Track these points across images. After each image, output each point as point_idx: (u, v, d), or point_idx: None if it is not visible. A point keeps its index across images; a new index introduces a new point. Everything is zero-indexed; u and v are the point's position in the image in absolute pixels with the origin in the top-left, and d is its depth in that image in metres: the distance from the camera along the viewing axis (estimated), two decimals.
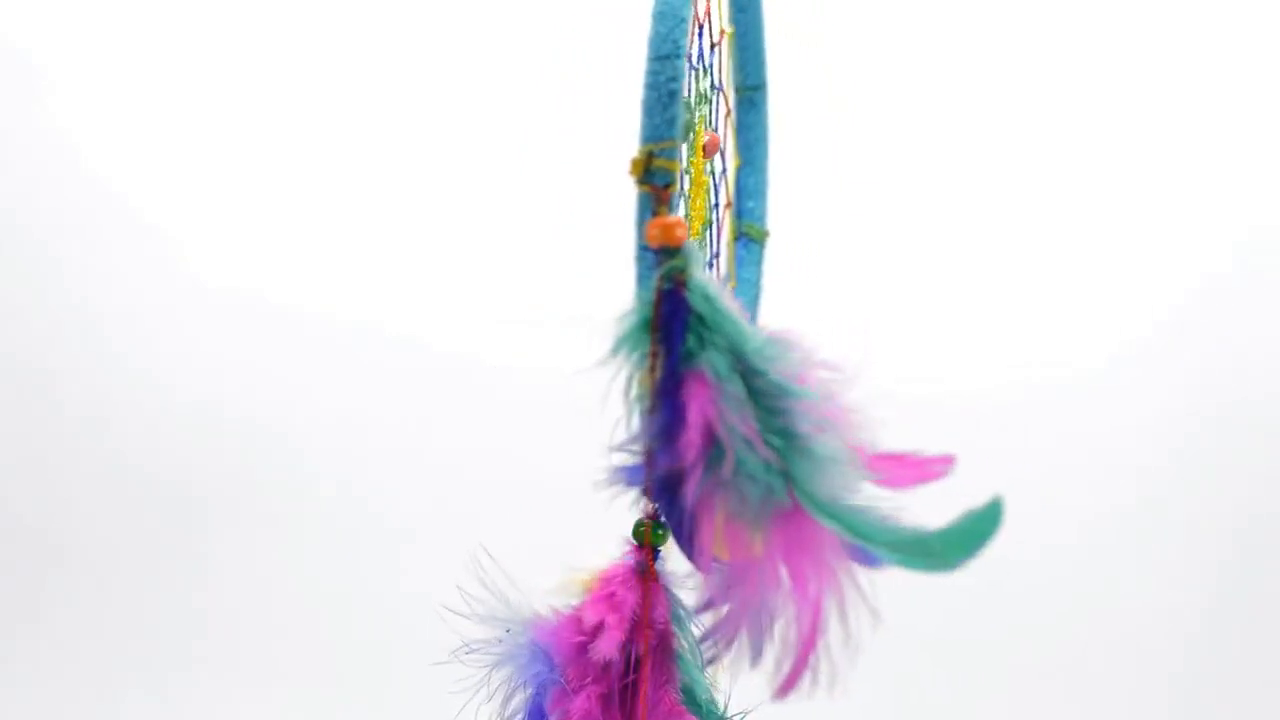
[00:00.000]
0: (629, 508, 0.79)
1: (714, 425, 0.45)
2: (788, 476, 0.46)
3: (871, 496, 0.47)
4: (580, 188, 1.10)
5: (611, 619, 0.59)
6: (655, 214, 0.48)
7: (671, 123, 0.48)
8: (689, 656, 0.62)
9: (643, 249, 0.49)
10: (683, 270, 0.47)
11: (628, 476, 0.50)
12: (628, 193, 0.76)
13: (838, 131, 1.12)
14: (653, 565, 0.61)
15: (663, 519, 0.52)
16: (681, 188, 0.66)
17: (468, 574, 0.62)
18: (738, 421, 0.45)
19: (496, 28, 1.35)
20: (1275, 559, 1.23)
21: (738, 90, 0.76)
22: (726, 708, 0.60)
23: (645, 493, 0.50)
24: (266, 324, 1.36)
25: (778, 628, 0.46)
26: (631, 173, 0.48)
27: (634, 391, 0.48)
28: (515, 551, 0.68)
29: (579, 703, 0.59)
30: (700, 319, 0.46)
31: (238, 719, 1.27)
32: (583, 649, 0.60)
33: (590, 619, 0.59)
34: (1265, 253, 1.28)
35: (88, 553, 1.33)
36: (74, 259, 1.35)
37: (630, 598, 0.60)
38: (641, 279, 0.49)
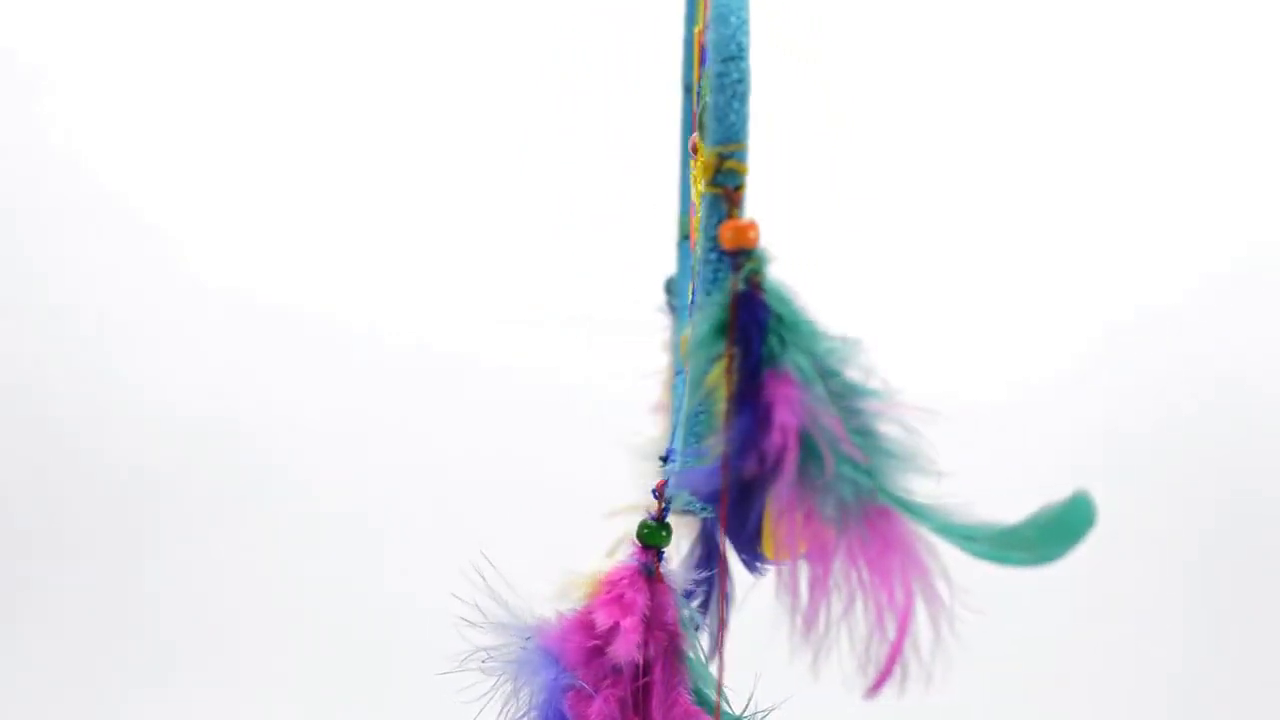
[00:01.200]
0: (622, 510, 0.80)
1: (804, 426, 0.45)
2: (874, 475, 0.46)
3: (938, 494, 0.48)
4: (580, 188, 1.08)
5: (626, 621, 0.59)
6: (728, 216, 0.47)
7: (741, 124, 0.48)
8: (697, 657, 0.62)
9: (712, 252, 0.48)
10: (759, 272, 0.47)
11: (695, 482, 0.50)
12: (625, 192, 0.76)
13: (834, 146, 1.13)
14: (659, 566, 0.62)
15: (708, 522, 0.52)
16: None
17: (471, 580, 0.61)
18: (828, 421, 0.46)
19: (495, 27, 1.35)
20: (1246, 560, 1.27)
21: (685, 88, 0.76)
22: (749, 708, 0.60)
23: (714, 498, 0.50)
24: (265, 325, 1.37)
25: (866, 626, 0.47)
26: (702, 175, 0.48)
27: (705, 396, 0.48)
28: (513, 553, 0.68)
29: (598, 706, 0.59)
30: (780, 320, 0.46)
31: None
32: (596, 652, 0.59)
33: (604, 622, 0.59)
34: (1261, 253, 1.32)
35: (80, 553, 1.33)
36: (66, 258, 1.36)
37: (639, 599, 0.60)
38: (712, 283, 0.48)
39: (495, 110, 1.34)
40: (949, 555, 0.47)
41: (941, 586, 0.46)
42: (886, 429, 0.47)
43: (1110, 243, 1.33)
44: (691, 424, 0.52)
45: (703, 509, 0.61)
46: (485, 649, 0.60)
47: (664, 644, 0.61)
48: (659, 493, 0.62)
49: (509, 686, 0.60)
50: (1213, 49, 1.32)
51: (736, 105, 0.48)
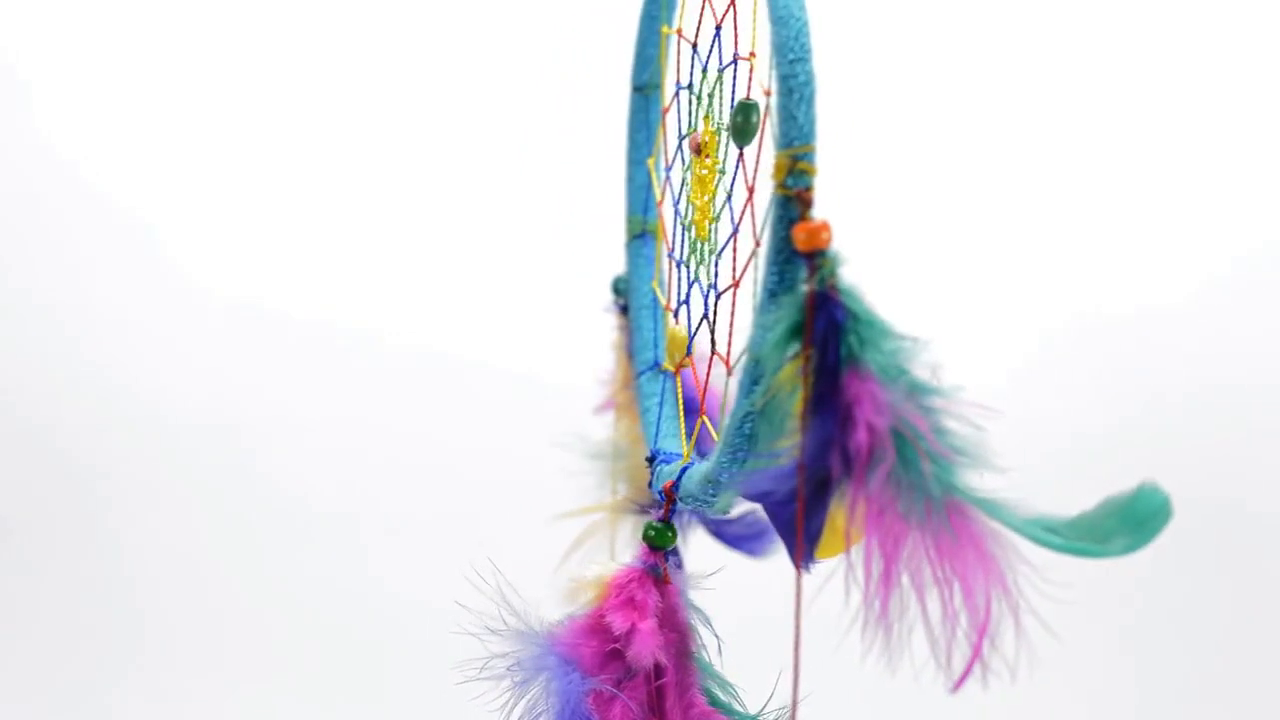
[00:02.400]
0: (576, 514, 0.79)
1: (889, 423, 0.46)
2: (953, 471, 0.47)
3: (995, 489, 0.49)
4: (580, 188, 1.06)
5: (644, 624, 0.59)
6: (801, 218, 0.48)
7: (810, 126, 0.48)
8: (706, 657, 0.62)
9: (780, 254, 0.48)
10: (833, 273, 0.47)
11: (762, 484, 0.50)
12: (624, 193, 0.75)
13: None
14: (666, 568, 0.61)
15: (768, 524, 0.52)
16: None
17: (476, 587, 0.60)
18: (913, 418, 0.46)
19: (493, 28, 1.35)
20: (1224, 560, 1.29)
21: (635, 88, 0.75)
22: (764, 707, 0.61)
23: (774, 498, 0.50)
24: (263, 328, 1.37)
25: (946, 622, 0.47)
26: (774, 177, 0.48)
27: (773, 397, 0.48)
28: (513, 554, 0.67)
29: (618, 709, 0.58)
30: (857, 319, 0.47)
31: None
32: (613, 656, 0.59)
33: (620, 625, 0.58)
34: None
35: (77, 553, 1.34)
36: (60, 260, 1.37)
37: (649, 601, 0.60)
38: (779, 285, 0.49)
39: (494, 111, 1.35)
40: (1025, 550, 0.48)
41: (1019, 580, 0.47)
42: (955, 426, 0.48)
43: (1089, 241, 1.35)
44: (740, 426, 0.52)
45: (715, 508, 0.61)
46: (499, 655, 0.60)
47: (675, 645, 0.61)
48: (665, 494, 0.62)
49: (525, 693, 0.59)
50: (1192, 50, 1.36)
51: (804, 107, 0.48)
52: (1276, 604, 1.26)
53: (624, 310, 0.79)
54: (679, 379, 0.66)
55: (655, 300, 0.75)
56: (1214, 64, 1.34)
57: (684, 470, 0.61)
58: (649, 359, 0.73)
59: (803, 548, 0.51)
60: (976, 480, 0.48)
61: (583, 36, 1.26)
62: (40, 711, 1.27)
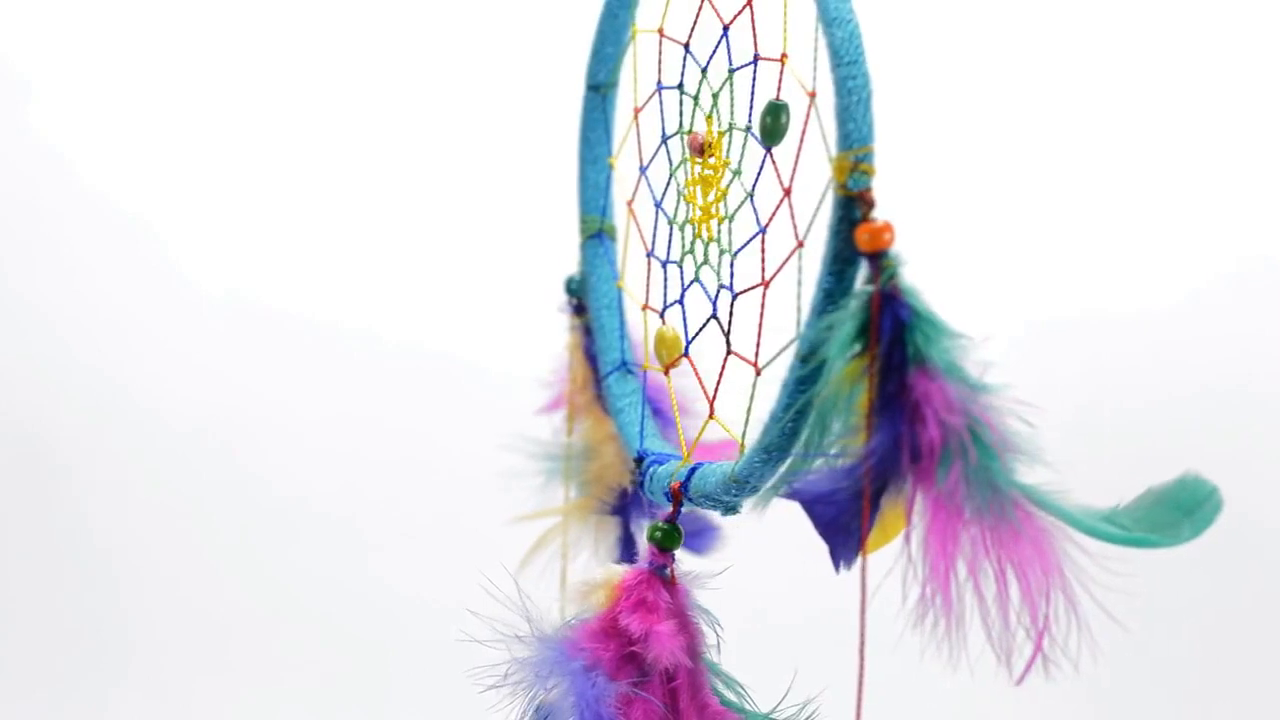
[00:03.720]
0: (531, 517, 0.78)
1: (962, 420, 0.47)
2: (1013, 465, 0.48)
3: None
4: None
5: (663, 626, 0.59)
6: (864, 219, 0.48)
7: (869, 127, 0.48)
8: (714, 657, 0.62)
9: (840, 255, 0.49)
10: (896, 273, 0.48)
11: (823, 484, 0.50)
12: (620, 192, 0.73)
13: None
14: (673, 568, 0.61)
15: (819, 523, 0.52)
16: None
17: (489, 592, 0.59)
18: (981, 414, 0.47)
19: (491, 28, 1.35)
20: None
21: (591, 87, 0.75)
22: (779, 705, 0.61)
23: (830, 498, 0.50)
24: (261, 327, 1.37)
25: (1005, 614, 0.48)
26: (835, 178, 0.48)
27: (837, 397, 0.48)
28: (511, 556, 0.66)
29: (639, 711, 0.58)
30: (920, 317, 0.47)
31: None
32: (629, 658, 0.59)
33: (637, 628, 0.58)
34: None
35: (74, 554, 1.34)
36: (56, 260, 1.37)
37: (660, 602, 0.60)
38: (837, 285, 0.49)
39: (492, 110, 1.35)
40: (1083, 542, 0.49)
41: (1077, 572, 0.48)
42: (1009, 422, 0.49)
43: (1087, 242, 1.36)
44: (781, 427, 0.53)
45: (728, 509, 0.61)
46: (511, 660, 0.59)
47: (687, 645, 0.61)
48: (673, 495, 0.62)
49: (538, 697, 0.58)
50: (1193, 51, 1.36)
51: (863, 108, 0.48)
52: (1277, 604, 1.29)
53: (578, 310, 0.78)
54: (669, 380, 0.65)
55: (618, 300, 0.74)
56: (1214, 64, 1.36)
57: (692, 471, 0.61)
58: (615, 359, 0.73)
59: (851, 546, 0.52)
60: (1032, 474, 0.49)
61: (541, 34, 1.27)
62: (40, 712, 1.29)
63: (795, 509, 0.58)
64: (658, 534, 0.61)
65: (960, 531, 0.48)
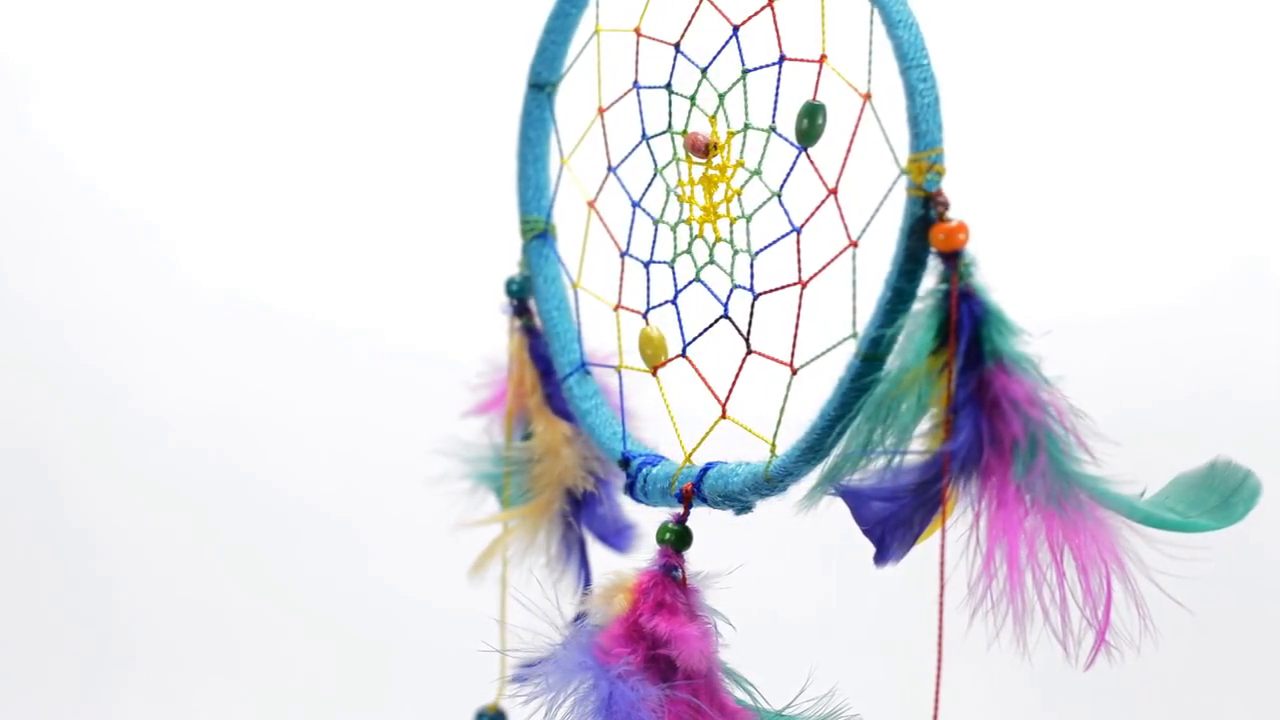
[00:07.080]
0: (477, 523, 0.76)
1: (1042, 413, 0.48)
2: (1079, 455, 0.50)
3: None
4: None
5: (690, 628, 0.59)
6: (940, 219, 0.49)
7: (939, 127, 0.49)
8: (723, 657, 0.62)
9: (912, 255, 0.49)
10: (971, 272, 0.49)
11: (894, 481, 0.50)
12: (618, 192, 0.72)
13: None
14: (684, 569, 0.61)
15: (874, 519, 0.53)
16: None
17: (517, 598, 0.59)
18: (1054, 407, 0.49)
19: (489, 29, 1.29)
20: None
21: (533, 85, 0.74)
22: (793, 701, 0.61)
23: (903, 495, 0.51)
24: (261, 327, 1.36)
25: (1065, 605, 0.50)
26: (913, 178, 0.49)
27: (907, 394, 0.49)
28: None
29: (670, 713, 0.58)
30: (993, 314, 0.49)
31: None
32: (653, 660, 0.59)
33: (664, 630, 0.58)
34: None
35: (73, 554, 1.33)
36: (55, 259, 1.36)
37: (678, 603, 0.60)
38: (909, 285, 0.50)
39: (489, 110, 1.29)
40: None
41: (1138, 562, 0.50)
42: (1073, 414, 0.50)
43: (1088, 241, 1.36)
44: (831, 427, 0.53)
45: (742, 509, 0.61)
46: (539, 664, 0.58)
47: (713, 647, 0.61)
48: (684, 496, 0.61)
49: (572, 702, 0.57)
50: (1195, 52, 1.37)
51: (933, 109, 0.49)
52: (1276, 604, 1.31)
53: (518, 311, 0.77)
54: (658, 379, 0.65)
55: (568, 301, 0.74)
56: (1215, 65, 1.37)
57: (704, 472, 0.61)
58: (574, 360, 0.72)
59: (908, 541, 0.53)
60: (1091, 465, 0.51)
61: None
62: (40, 711, 1.28)
63: (786, 507, 0.59)
64: (669, 535, 0.61)
65: (1027, 521, 0.50)
